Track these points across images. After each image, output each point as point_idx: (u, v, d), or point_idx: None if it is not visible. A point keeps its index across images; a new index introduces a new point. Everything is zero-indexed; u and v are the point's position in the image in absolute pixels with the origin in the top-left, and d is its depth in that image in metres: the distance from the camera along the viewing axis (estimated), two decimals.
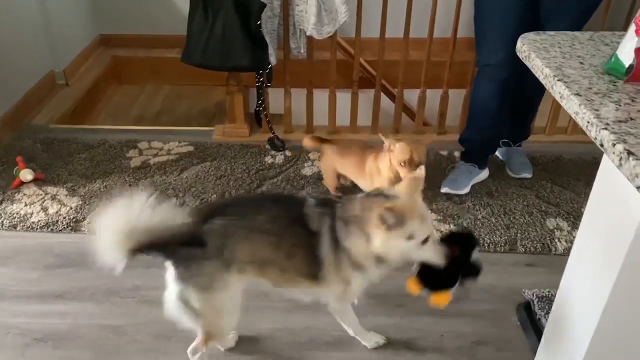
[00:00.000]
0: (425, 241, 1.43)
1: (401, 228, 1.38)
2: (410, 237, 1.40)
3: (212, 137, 3.01)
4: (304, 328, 1.89)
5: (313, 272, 1.51)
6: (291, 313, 1.93)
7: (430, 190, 2.56)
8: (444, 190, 2.52)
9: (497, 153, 2.75)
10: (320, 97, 3.05)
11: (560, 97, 1.01)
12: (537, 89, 2.51)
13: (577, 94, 0.98)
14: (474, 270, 1.60)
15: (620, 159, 0.82)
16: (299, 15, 2.65)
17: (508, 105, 2.42)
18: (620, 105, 0.96)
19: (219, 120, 3.23)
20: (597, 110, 0.93)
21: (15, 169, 2.56)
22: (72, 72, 3.69)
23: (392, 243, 1.41)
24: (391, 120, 3.16)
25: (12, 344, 1.82)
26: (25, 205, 2.42)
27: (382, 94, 3.15)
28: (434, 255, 1.46)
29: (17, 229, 2.31)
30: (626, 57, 1.01)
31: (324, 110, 3.08)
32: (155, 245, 1.41)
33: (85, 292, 2.02)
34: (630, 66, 1.00)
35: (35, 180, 2.56)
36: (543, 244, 2.26)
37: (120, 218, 1.37)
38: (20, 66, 3.15)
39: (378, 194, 1.50)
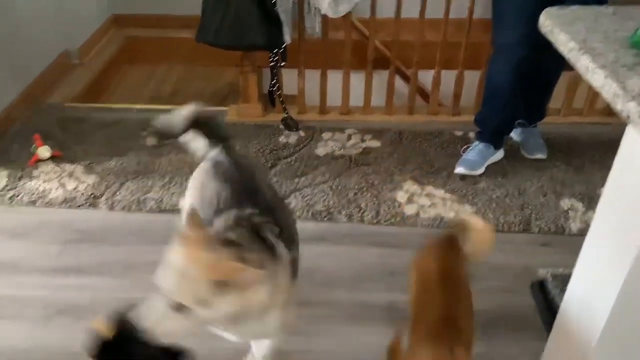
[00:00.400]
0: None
1: None
2: None
3: (226, 117, 3.02)
4: None
5: None
6: None
7: (445, 170, 2.57)
8: (458, 170, 2.52)
9: (512, 134, 2.74)
10: (334, 78, 3.05)
11: (586, 69, 1.01)
12: (554, 70, 2.51)
13: (603, 67, 0.98)
14: None
15: None
16: None
17: (524, 85, 2.40)
18: None
19: (233, 101, 3.24)
20: (623, 82, 0.93)
21: (33, 146, 2.58)
22: (86, 52, 3.70)
23: None
24: (405, 101, 3.16)
25: (34, 315, 1.87)
26: (44, 181, 2.46)
27: (396, 75, 3.15)
28: None
29: (37, 204, 2.35)
30: None
31: (337, 91, 3.08)
32: None
33: (104, 267, 2.06)
34: None
35: (53, 158, 2.59)
36: (557, 224, 2.26)
37: None
38: (35, 45, 3.16)
39: None
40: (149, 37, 4.12)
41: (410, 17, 2.86)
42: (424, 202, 2.38)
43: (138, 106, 3.18)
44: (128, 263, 2.05)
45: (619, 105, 0.91)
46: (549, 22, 1.19)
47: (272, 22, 2.60)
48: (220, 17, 2.58)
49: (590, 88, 3.00)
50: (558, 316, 1.50)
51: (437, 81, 3.01)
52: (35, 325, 1.84)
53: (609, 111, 3.00)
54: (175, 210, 2.26)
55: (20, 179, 2.47)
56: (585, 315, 1.34)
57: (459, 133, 2.86)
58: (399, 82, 3.28)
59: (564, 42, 1.11)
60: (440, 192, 2.43)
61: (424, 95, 3.59)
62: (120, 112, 3.04)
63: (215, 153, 1.61)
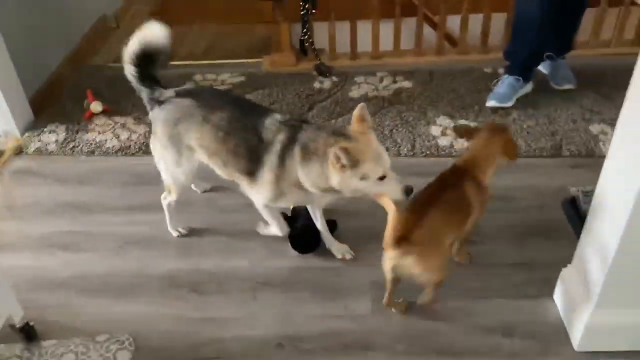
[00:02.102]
0: (382, 178, 1.55)
1: (355, 169, 1.51)
2: (363, 178, 1.54)
3: (262, 67, 3.15)
4: None
5: (251, 170, 1.72)
6: None
7: (477, 104, 2.67)
8: (489, 104, 2.62)
9: (540, 67, 2.80)
10: (363, 27, 3.13)
11: None
12: (580, 1, 2.56)
13: None
14: None
15: None
16: None
17: (552, 17, 2.46)
18: None
19: (266, 54, 3.35)
20: None
21: (86, 102, 2.76)
22: (122, 16, 3.84)
23: (347, 182, 1.55)
24: (433, 45, 3.23)
25: (108, 246, 2.08)
26: (99, 133, 2.64)
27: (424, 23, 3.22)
28: (393, 190, 1.57)
29: (95, 154, 2.54)
30: None
31: (367, 40, 3.17)
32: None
33: (160, 204, 2.23)
34: None
35: (104, 112, 2.77)
36: (587, 147, 2.36)
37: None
38: (75, 11, 3.32)
39: (341, 133, 1.60)
40: None
41: None
42: None
43: (176, 62, 3.33)
44: (183, 201, 2.21)
45: None
46: None
47: None
48: None
49: (617, 19, 3.05)
50: (586, 223, 1.61)
51: (465, 23, 3.07)
52: (108, 254, 2.04)
53: (637, 41, 3.04)
54: None
55: (77, 132, 2.66)
56: (609, 218, 1.45)
57: (488, 70, 2.94)
58: (426, 30, 3.34)
59: None
60: (472, 124, 2.54)
61: (452, 41, 3.64)
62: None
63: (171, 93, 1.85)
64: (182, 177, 1.92)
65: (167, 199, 2.02)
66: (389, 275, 1.64)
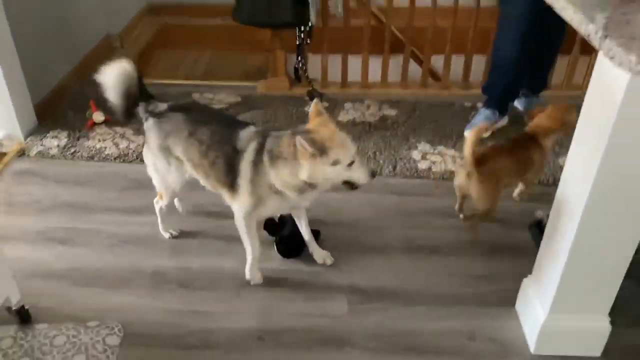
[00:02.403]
0: (351, 164, 1.69)
1: (326, 156, 1.63)
2: (335, 163, 1.66)
3: (257, 90, 3.34)
4: None
5: (230, 181, 1.85)
6: None
7: (456, 133, 2.87)
8: (466, 133, 2.81)
9: (516, 103, 3.03)
10: (354, 62, 3.34)
11: (561, 8, 1.30)
12: (554, 43, 2.80)
13: (574, 4, 1.28)
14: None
15: (600, 42, 1.12)
16: None
17: (527, 54, 2.69)
18: (605, 12, 1.25)
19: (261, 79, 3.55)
20: (588, 14, 1.23)
21: (89, 111, 2.92)
22: (125, 37, 4.04)
23: (319, 170, 1.66)
24: (418, 80, 3.45)
25: (103, 243, 2.20)
26: (99, 141, 2.79)
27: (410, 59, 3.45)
28: (361, 174, 1.71)
29: (95, 159, 2.68)
30: None
31: (356, 72, 3.39)
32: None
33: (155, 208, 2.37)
34: None
35: (106, 122, 2.92)
36: (555, 177, 2.55)
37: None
38: (82, 29, 3.51)
39: (302, 130, 1.72)
40: (181, 24, 4.47)
41: (424, 5, 3.17)
42: (436, 159, 2.68)
43: (175, 81, 3.52)
44: (175, 206, 2.37)
45: (582, 28, 1.20)
46: None
47: (300, 1, 2.91)
48: None
49: (588, 67, 3.30)
50: (545, 234, 1.77)
51: (448, 62, 3.30)
52: (103, 250, 2.16)
53: None
54: None
55: (78, 138, 2.80)
56: (561, 229, 1.61)
57: (468, 104, 3.16)
58: (412, 66, 3.58)
59: None
60: (450, 151, 2.73)
61: (436, 77, 3.88)
62: (162, 87, 3.35)
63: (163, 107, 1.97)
64: (171, 185, 2.05)
65: (159, 203, 2.15)
66: (457, 191, 2.22)
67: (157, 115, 1.96)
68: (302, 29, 3.10)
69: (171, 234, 2.22)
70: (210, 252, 2.15)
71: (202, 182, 1.98)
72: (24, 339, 1.77)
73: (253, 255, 1.98)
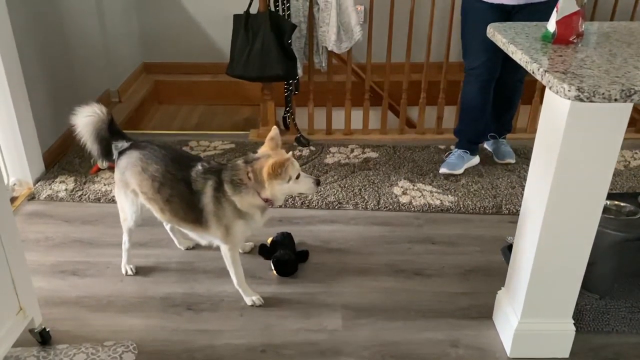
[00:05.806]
0: (297, 177, 1.99)
1: (285, 175, 1.95)
2: (289, 180, 1.98)
3: (248, 138, 3.61)
4: None
5: (194, 217, 2.08)
6: None
7: (432, 172, 3.15)
8: (442, 171, 3.10)
9: (485, 145, 3.34)
10: (337, 114, 3.67)
11: (512, 52, 1.61)
12: (514, 92, 3.15)
13: (522, 49, 1.58)
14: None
15: (542, 76, 1.41)
16: (322, 34, 3.30)
17: (490, 102, 3.03)
18: (546, 54, 1.55)
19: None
20: (533, 56, 1.53)
21: (93, 158, 3.13)
22: (123, 92, 4.33)
23: (280, 187, 1.97)
24: (395, 127, 3.78)
25: (112, 273, 2.38)
26: (104, 184, 3.00)
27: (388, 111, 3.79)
28: (309, 184, 2.03)
29: (101, 201, 2.88)
30: (551, 27, 1.61)
31: (340, 122, 3.70)
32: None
33: (162, 242, 2.57)
34: (554, 32, 1.60)
35: (109, 168, 3.13)
36: None
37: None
38: (85, 84, 3.78)
39: (254, 158, 2.01)
40: (174, 80, 4.79)
41: (399, 61, 3.54)
42: (415, 194, 2.94)
43: (173, 132, 3.78)
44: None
45: (529, 67, 1.50)
46: (492, 30, 1.81)
47: (289, 57, 3.24)
48: (246, 54, 3.23)
49: None
50: (512, 254, 2.02)
51: (422, 111, 3.64)
52: (114, 280, 2.34)
53: None
54: None
55: (84, 183, 3.01)
56: (526, 243, 1.86)
57: (442, 146, 3.46)
58: (391, 116, 3.92)
59: (500, 39, 1.72)
60: (428, 187, 3.00)
61: (412, 125, 4.22)
62: (160, 136, 3.62)
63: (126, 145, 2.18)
64: (128, 216, 2.26)
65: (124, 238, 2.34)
66: None
67: (121, 152, 2.18)
68: (291, 81, 3.42)
69: (130, 269, 2.37)
70: (213, 279, 2.34)
71: (156, 214, 2.18)
72: (47, 358, 1.92)
73: (239, 281, 2.19)
